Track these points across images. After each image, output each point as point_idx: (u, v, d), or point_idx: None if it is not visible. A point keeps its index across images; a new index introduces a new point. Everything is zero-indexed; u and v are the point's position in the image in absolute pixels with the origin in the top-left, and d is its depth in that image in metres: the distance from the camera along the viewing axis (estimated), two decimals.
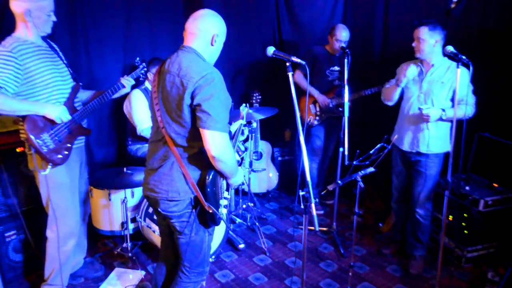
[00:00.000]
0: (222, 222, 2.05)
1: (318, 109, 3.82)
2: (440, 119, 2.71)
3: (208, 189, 1.90)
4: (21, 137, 2.34)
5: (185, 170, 1.88)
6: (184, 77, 1.79)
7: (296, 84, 3.70)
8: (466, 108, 2.62)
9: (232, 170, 1.95)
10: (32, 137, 2.22)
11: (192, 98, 1.78)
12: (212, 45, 1.93)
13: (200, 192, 1.90)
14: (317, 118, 3.84)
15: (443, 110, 2.68)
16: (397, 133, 2.94)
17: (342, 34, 3.59)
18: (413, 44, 2.76)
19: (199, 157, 1.87)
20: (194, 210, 1.95)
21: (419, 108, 2.70)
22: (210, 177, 1.91)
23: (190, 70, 1.80)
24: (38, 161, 2.30)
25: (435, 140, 2.80)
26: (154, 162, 1.96)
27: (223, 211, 2.08)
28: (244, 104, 2.66)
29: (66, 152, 2.39)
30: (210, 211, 1.91)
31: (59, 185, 2.43)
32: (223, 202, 2.07)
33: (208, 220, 1.98)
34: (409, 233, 3.08)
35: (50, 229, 2.52)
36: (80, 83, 2.53)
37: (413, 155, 2.89)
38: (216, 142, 1.79)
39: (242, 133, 2.43)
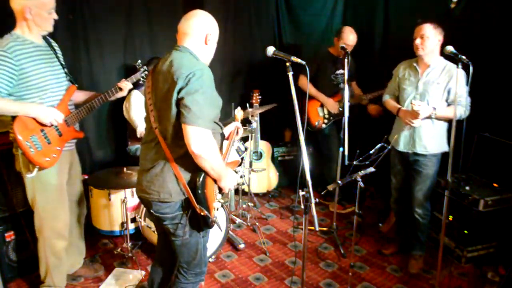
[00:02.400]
0: (216, 225, 2.03)
1: (326, 112, 3.83)
2: (430, 117, 2.72)
3: (199, 191, 1.87)
4: (10, 137, 2.30)
5: (177, 171, 1.86)
6: (175, 72, 1.77)
7: (301, 89, 3.71)
8: (460, 109, 2.63)
9: (216, 169, 1.88)
10: (20, 138, 2.18)
11: (179, 92, 1.76)
12: (206, 44, 1.93)
13: (192, 194, 1.88)
14: (325, 121, 3.84)
15: (434, 108, 2.69)
16: (396, 134, 2.95)
17: (350, 38, 3.57)
18: (417, 41, 2.72)
19: (189, 157, 1.84)
20: (186, 213, 1.93)
21: (411, 103, 2.70)
22: (201, 178, 1.87)
23: (181, 66, 1.79)
24: (24, 163, 2.27)
25: (432, 140, 2.80)
26: (146, 163, 1.94)
27: (217, 214, 2.05)
28: (238, 107, 2.62)
29: (54, 155, 2.34)
30: (202, 213, 1.89)
31: (46, 186, 2.40)
32: (217, 205, 2.04)
33: (201, 223, 1.96)
34: (409, 232, 3.08)
35: (37, 230, 2.50)
36: (76, 85, 2.50)
37: (410, 155, 2.89)
38: (195, 138, 1.74)
39: (237, 133, 2.38)
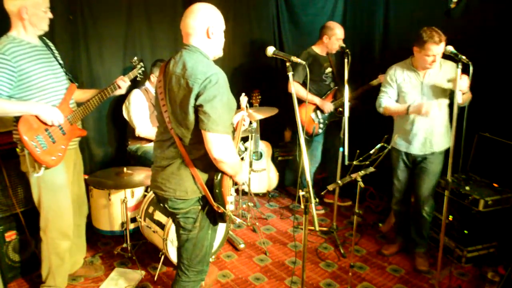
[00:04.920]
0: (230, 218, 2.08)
1: (320, 116, 3.80)
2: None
3: (217, 190, 1.90)
4: (14, 138, 2.32)
5: (194, 170, 1.88)
6: (190, 78, 1.77)
7: (296, 95, 3.68)
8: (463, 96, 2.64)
9: (235, 170, 1.94)
10: (26, 138, 2.20)
11: (196, 99, 1.76)
12: (209, 38, 1.89)
13: (209, 192, 1.91)
14: (321, 126, 3.82)
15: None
16: (403, 138, 2.92)
17: (339, 33, 3.58)
18: (436, 59, 2.66)
19: (207, 158, 1.85)
20: (202, 209, 1.96)
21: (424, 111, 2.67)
22: (219, 177, 1.90)
23: (195, 71, 1.78)
24: (31, 162, 2.28)
25: (443, 137, 2.83)
26: (161, 161, 1.95)
27: (230, 208, 2.08)
28: (243, 94, 2.57)
29: (60, 154, 2.36)
30: (220, 210, 1.92)
31: (51, 186, 2.41)
32: (230, 199, 2.06)
33: (217, 218, 2.01)
34: (413, 231, 3.12)
35: (42, 230, 2.51)
36: (76, 84, 2.51)
37: (419, 155, 2.90)
38: (217, 145, 1.78)
39: (244, 122, 2.36)
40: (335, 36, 3.59)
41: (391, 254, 3.23)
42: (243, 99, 2.52)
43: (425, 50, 2.65)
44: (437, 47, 2.61)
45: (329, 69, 3.77)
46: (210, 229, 2.05)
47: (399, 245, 3.26)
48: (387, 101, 2.95)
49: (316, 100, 3.72)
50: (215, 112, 1.75)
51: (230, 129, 1.86)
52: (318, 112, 3.78)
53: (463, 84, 2.56)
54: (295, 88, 3.61)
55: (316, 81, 3.72)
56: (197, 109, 1.77)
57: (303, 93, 3.58)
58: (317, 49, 3.74)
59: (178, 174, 1.90)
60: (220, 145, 1.78)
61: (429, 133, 2.83)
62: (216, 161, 1.83)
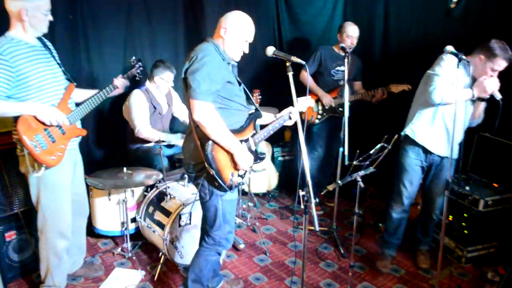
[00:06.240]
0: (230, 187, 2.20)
1: (320, 107, 3.83)
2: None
3: (207, 152, 2.09)
4: (14, 139, 2.32)
5: (196, 137, 2.15)
6: (188, 58, 2.08)
7: (303, 84, 3.72)
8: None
9: (220, 139, 2.10)
10: (25, 138, 2.20)
11: (185, 72, 2.07)
12: (221, 36, 2.19)
13: (203, 155, 2.11)
14: (319, 116, 3.84)
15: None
16: (427, 133, 2.76)
17: (351, 30, 3.62)
18: (495, 74, 2.54)
19: None
20: (202, 174, 2.17)
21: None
22: (210, 141, 2.10)
23: (193, 52, 2.08)
24: (31, 162, 2.28)
25: (458, 146, 2.77)
26: (185, 133, 2.32)
27: (237, 180, 2.24)
28: (307, 97, 2.48)
29: (59, 154, 2.36)
30: (210, 172, 2.10)
31: (50, 186, 2.41)
32: (233, 172, 2.21)
33: (215, 184, 2.15)
34: (418, 230, 3.14)
35: (40, 230, 2.51)
36: (75, 83, 2.51)
37: (436, 159, 2.85)
38: (195, 108, 2.03)
39: (290, 118, 2.50)
40: (346, 34, 3.64)
41: (388, 272, 3.00)
42: (303, 100, 2.48)
43: (493, 64, 2.47)
44: (506, 65, 2.47)
45: (342, 68, 3.78)
46: (220, 199, 2.23)
47: (392, 258, 3.11)
48: (448, 89, 2.60)
49: (319, 91, 3.78)
50: (194, 82, 2.01)
51: (211, 98, 2.06)
52: (320, 103, 3.82)
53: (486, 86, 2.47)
54: (304, 77, 3.72)
55: (324, 75, 3.81)
56: (186, 81, 2.07)
57: (310, 83, 3.75)
58: (336, 47, 3.83)
59: (190, 141, 2.21)
60: (198, 109, 2.03)
61: (450, 136, 2.67)
62: (198, 124, 2.07)
